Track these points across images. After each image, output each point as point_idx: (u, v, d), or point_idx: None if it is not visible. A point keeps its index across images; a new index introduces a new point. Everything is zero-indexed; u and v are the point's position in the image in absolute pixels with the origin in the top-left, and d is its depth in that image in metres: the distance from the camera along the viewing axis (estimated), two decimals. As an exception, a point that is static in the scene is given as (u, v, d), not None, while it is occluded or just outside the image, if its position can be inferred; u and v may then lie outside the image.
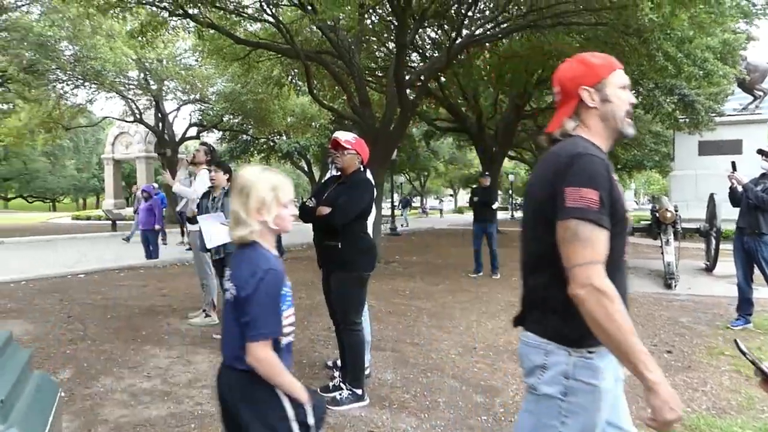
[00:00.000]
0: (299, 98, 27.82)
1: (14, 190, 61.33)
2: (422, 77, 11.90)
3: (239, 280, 1.78)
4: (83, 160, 58.49)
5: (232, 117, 27.84)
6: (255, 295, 1.72)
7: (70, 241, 17.44)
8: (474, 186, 10.42)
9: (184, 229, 16.47)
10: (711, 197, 10.16)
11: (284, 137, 36.08)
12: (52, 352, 4.92)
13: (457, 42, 11.11)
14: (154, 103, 25.73)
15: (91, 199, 66.36)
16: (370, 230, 4.11)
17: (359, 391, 3.78)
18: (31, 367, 2.01)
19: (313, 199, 3.96)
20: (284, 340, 1.82)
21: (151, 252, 11.57)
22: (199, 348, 5.12)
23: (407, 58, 13.56)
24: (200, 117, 29.23)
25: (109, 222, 20.96)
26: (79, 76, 19.78)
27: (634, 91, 18.79)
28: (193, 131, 30.01)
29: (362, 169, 4.03)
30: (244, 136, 35.12)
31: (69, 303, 7.12)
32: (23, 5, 17.20)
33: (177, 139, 28.26)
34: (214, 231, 5.07)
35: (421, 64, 16.15)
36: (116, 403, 3.73)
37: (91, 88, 23.57)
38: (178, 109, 28.45)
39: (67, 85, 22.36)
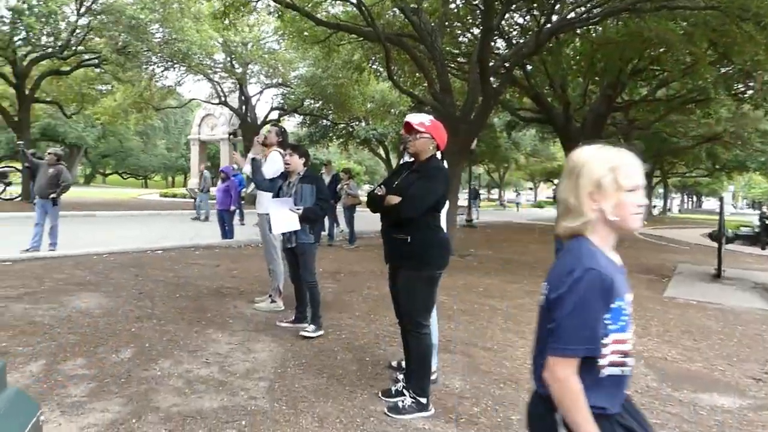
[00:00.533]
0: (379, 84, 27.66)
1: (111, 167, 65.27)
2: (507, 64, 11.31)
3: (553, 278, 1.49)
4: (173, 140, 61.27)
5: (312, 101, 28.10)
6: (567, 298, 1.40)
7: (154, 217, 18.13)
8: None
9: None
10: None
11: (363, 123, 36.13)
12: (118, 328, 4.90)
13: (548, 26, 10.42)
14: (238, 86, 26.31)
15: (179, 177, 69.55)
16: (443, 223, 3.74)
17: (423, 400, 3.44)
18: (4, 381, 1.66)
19: (382, 186, 3.63)
20: (605, 371, 1.44)
21: (227, 232, 11.72)
22: (261, 335, 4.96)
23: (492, 44, 12.93)
24: (282, 101, 29.72)
25: (192, 200, 21.64)
26: (168, 58, 20.46)
27: (743, 86, 17.38)
28: (274, 115, 30.56)
29: (437, 155, 3.67)
30: (324, 121, 35.46)
31: (143, 279, 7.21)
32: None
33: (259, 123, 28.84)
34: (283, 217, 4.86)
35: (506, 51, 15.46)
36: (170, 390, 3.59)
37: (179, 70, 24.44)
38: (261, 92, 29.06)
39: (158, 67, 23.28)
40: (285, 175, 5.28)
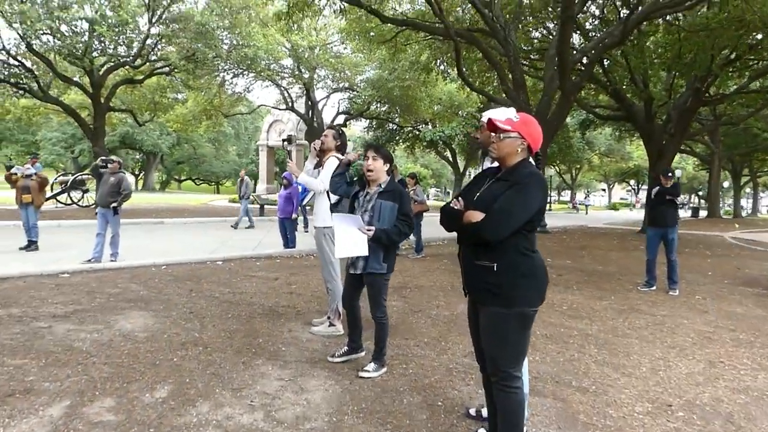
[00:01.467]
0: (446, 85, 26.91)
1: (185, 173, 67.62)
2: (588, 56, 10.30)
3: None
4: (243, 146, 62.79)
5: (378, 105, 27.69)
6: None
7: (221, 224, 18.06)
8: (654, 185, 8.67)
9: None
10: None
11: (429, 126, 35.42)
12: (159, 358, 4.39)
13: (637, 11, 9.35)
14: (305, 91, 26.21)
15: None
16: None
17: (514, 470, 2.68)
18: None
19: (459, 199, 2.89)
20: None
21: (288, 241, 11.28)
22: (316, 368, 4.32)
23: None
24: (348, 105, 29.46)
25: (258, 206, 21.61)
26: (236, 65, 20.50)
27: None
28: (341, 119, 30.33)
29: (530, 159, 2.90)
30: (390, 124, 35.02)
31: (196, 295, 6.78)
32: (189, -4, 18.05)
33: (325, 127, 28.71)
34: (349, 238, 4.06)
35: (582, 44, 14.33)
36: (204, 446, 3.00)
37: (248, 76, 24.58)
38: (327, 97, 28.90)
39: (227, 74, 23.48)
40: (362, 183, 4.40)
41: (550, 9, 12.40)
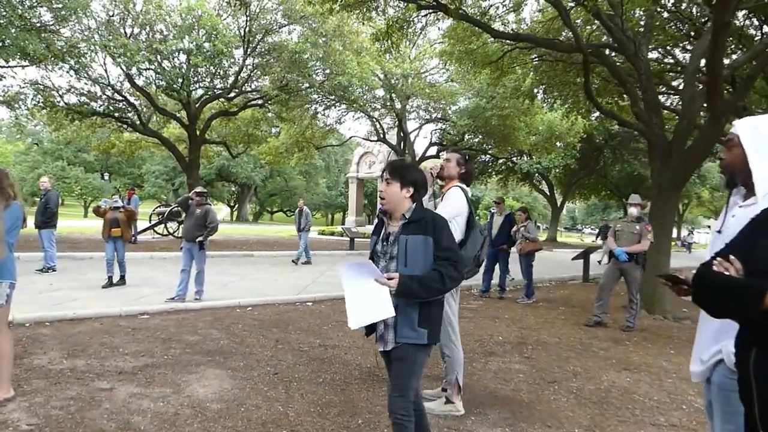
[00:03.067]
0: (546, 114, 25.35)
1: (277, 205, 69.15)
2: (745, 70, 8.67)
3: None
4: (333, 178, 63.42)
5: (472, 136, 26.47)
6: None
7: (312, 259, 17.39)
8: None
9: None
10: None
11: (524, 157, 33.76)
12: (232, 446, 3.38)
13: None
14: (397, 121, 25.54)
15: (338, 215, 71.72)
16: None
17: None
18: None
19: (732, 259, 1.66)
20: None
21: (384, 280, 10.23)
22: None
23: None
24: (440, 136, 28.48)
25: (348, 239, 20.87)
26: (329, 95, 20.11)
27: None
28: (433, 151, 29.40)
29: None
30: (483, 156, 33.66)
31: (282, 347, 5.80)
32: (285, 26, 17.84)
33: (417, 159, 27.82)
34: (363, 296, 2.71)
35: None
36: None
37: (339, 108, 24.26)
38: (419, 127, 28.07)
39: (320, 105, 23.23)
40: (381, 221, 3.10)
41: (676, 24, 10.81)
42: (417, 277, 2.68)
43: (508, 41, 11.21)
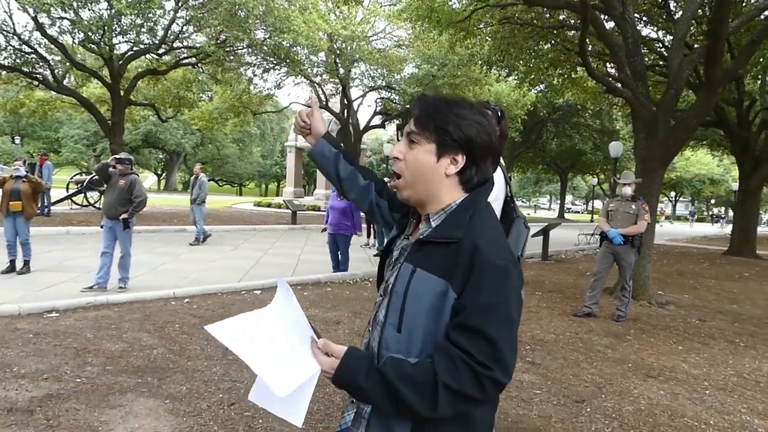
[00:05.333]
0: (495, 86, 24.66)
1: (208, 173, 66.10)
2: (742, 35, 7.98)
3: None
4: (268, 147, 61.08)
5: (415, 106, 25.42)
6: None
7: (250, 234, 15.98)
8: None
9: (371, 228, 14.11)
10: None
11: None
12: None
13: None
14: (341, 88, 24.09)
15: (272, 185, 69.51)
16: None
17: None
18: None
19: None
20: None
21: (340, 263, 9.08)
22: None
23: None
24: (381, 106, 27.23)
25: (290, 212, 19.48)
26: (269, 57, 18.40)
27: None
28: (377, 120, 28.17)
29: None
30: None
31: (236, 357, 4.58)
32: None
33: (361, 129, 26.54)
34: (276, 368, 1.27)
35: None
36: None
37: (279, 71, 22.53)
38: (364, 95, 26.70)
39: (258, 68, 21.44)
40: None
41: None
42: (396, 366, 1.21)
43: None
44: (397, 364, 1.20)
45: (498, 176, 3.04)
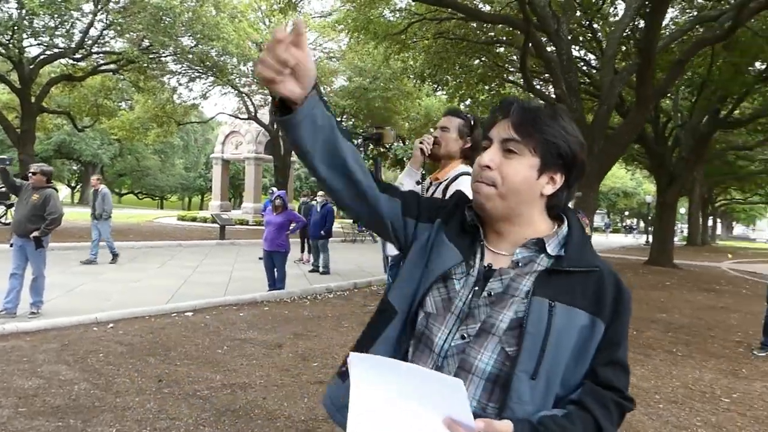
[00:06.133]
0: (426, 99, 24.95)
1: (127, 186, 63.04)
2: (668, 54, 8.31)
3: None
4: (192, 159, 59.05)
5: (345, 118, 25.22)
6: None
7: (175, 250, 15.18)
8: None
9: (305, 243, 13.69)
10: None
11: (400, 143, 33.33)
12: None
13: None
14: (270, 99, 23.60)
15: (196, 198, 67.18)
16: None
17: None
18: None
19: None
20: None
21: (277, 280, 8.68)
22: None
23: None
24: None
25: (217, 226, 18.70)
26: (196, 65, 17.68)
27: None
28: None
29: None
30: (354, 141, 32.71)
31: (171, 390, 4.13)
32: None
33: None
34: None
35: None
36: None
37: (206, 81, 21.77)
38: (293, 107, 26.29)
39: (183, 76, 20.61)
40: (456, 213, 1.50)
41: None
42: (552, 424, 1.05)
43: (416, 12, 10.09)
44: (561, 425, 1.05)
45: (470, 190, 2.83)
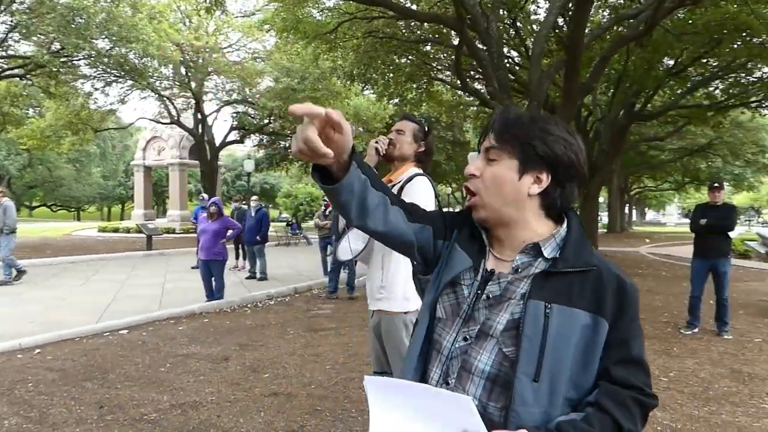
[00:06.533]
0: (355, 99, 24.88)
1: (39, 199, 59.29)
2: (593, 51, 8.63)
3: None
4: (110, 167, 56.23)
5: (272, 120, 24.74)
6: None
7: (98, 263, 14.38)
8: (701, 203, 7.01)
9: (240, 250, 13.30)
10: None
11: (330, 144, 33.15)
12: None
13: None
14: (194, 102, 22.79)
15: (116, 208, 64.15)
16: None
17: None
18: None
19: None
20: None
21: (215, 290, 8.36)
22: None
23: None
24: (237, 121, 26.23)
25: (144, 237, 17.88)
26: (113, 69, 16.79)
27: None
28: (234, 136, 27.09)
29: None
30: (282, 142, 32.28)
31: (114, 416, 3.85)
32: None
33: (217, 145, 25.33)
34: None
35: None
36: None
37: (124, 85, 20.76)
38: (218, 110, 25.52)
39: (99, 81, 19.54)
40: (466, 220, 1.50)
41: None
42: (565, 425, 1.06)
43: (346, 11, 10.00)
44: (579, 429, 1.05)
45: (432, 194, 2.81)
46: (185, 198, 29.25)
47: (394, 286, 2.69)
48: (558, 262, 1.13)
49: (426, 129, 2.94)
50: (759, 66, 14.84)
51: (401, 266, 2.69)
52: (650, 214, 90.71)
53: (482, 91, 12.30)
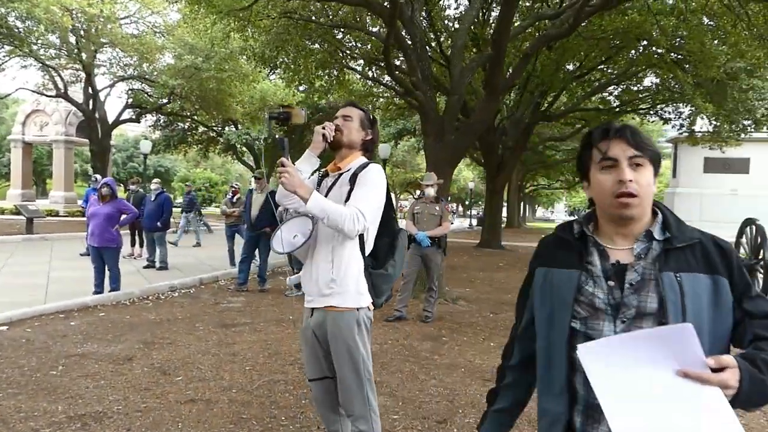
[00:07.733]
0: (262, 83, 24.03)
1: None
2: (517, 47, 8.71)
3: None
4: (-20, 141, 50.76)
5: (172, 100, 23.28)
6: None
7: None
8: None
9: (136, 237, 12.35)
10: (749, 223, 8.07)
11: (233, 127, 31.71)
12: None
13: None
14: (84, 75, 20.92)
15: (-12, 187, 58.10)
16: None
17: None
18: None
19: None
20: None
21: (111, 280, 7.59)
22: None
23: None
24: (132, 98, 24.47)
25: (23, 219, 16.18)
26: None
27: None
28: (129, 114, 25.25)
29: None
30: (180, 124, 30.61)
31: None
32: None
33: (110, 123, 23.47)
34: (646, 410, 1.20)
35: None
36: None
37: (1, 50, 18.64)
38: (112, 85, 23.61)
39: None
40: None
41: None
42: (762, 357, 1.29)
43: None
44: (760, 348, 1.29)
45: (383, 179, 2.60)
46: (71, 178, 26.97)
47: (347, 279, 2.52)
48: (672, 240, 1.37)
49: (372, 117, 2.75)
50: (648, 75, 15.93)
51: (353, 260, 2.52)
52: (540, 211, 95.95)
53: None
